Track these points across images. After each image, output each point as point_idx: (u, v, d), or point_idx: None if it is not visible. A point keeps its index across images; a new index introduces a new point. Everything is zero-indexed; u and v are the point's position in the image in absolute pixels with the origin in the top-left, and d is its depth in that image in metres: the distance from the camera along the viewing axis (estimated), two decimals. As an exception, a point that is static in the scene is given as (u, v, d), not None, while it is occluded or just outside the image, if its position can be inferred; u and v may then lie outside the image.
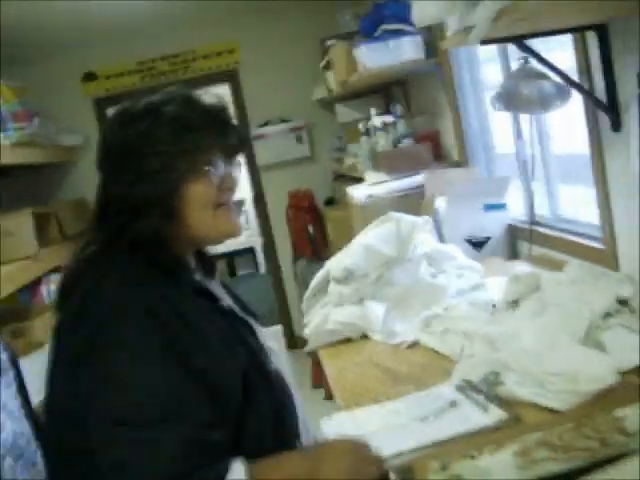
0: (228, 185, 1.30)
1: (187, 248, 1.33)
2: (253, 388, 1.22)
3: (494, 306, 1.94)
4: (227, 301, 1.38)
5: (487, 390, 1.43)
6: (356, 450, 1.18)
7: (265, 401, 1.24)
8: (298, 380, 2.19)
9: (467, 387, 1.48)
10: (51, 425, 1.19)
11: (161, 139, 1.22)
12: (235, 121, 1.35)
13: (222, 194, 1.29)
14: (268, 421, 1.23)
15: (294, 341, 4.83)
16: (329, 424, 1.49)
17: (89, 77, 4.90)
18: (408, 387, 1.64)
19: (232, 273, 8.41)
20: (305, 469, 1.13)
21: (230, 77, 5.14)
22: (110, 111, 4.90)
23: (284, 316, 5.45)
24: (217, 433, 1.12)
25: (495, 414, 1.35)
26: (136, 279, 1.20)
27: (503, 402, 1.39)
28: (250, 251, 8.13)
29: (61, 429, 1.13)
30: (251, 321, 1.39)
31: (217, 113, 1.29)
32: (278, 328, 5.58)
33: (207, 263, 1.41)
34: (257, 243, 6.93)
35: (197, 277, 1.34)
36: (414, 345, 1.93)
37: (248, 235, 7.99)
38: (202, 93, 1.32)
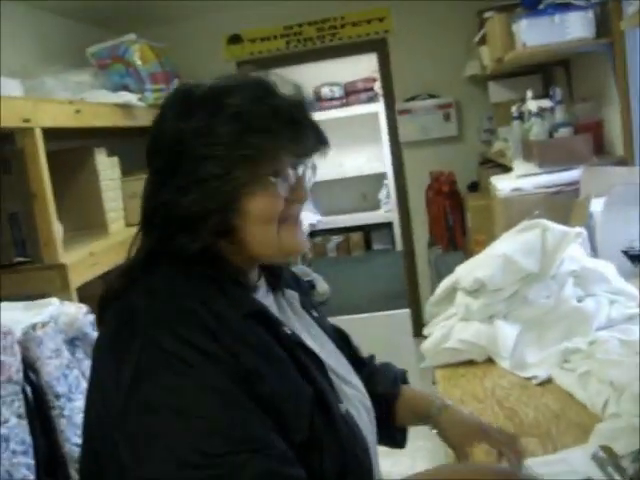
0: (298, 197, 1.09)
1: (245, 263, 1.10)
2: (315, 437, 0.99)
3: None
4: (293, 324, 1.15)
5: (634, 473, 1.13)
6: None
7: (328, 455, 1.00)
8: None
9: (606, 459, 1.19)
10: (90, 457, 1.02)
11: (219, 140, 1.01)
12: (313, 118, 1.10)
13: (289, 207, 1.07)
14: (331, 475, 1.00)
15: (421, 328, 4.57)
16: None
17: (234, 40, 4.79)
18: (531, 442, 1.36)
19: (367, 247, 8.23)
20: None
21: (378, 46, 4.87)
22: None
23: (413, 300, 5.21)
24: (298, 469, 0.92)
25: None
26: (183, 296, 1.00)
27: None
28: (387, 226, 7.90)
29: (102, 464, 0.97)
30: (328, 356, 1.15)
31: (291, 109, 1.05)
32: (405, 312, 5.37)
33: (272, 274, 1.19)
34: (395, 219, 6.69)
35: (259, 294, 1.12)
36: (547, 383, 1.64)
37: (387, 210, 7.77)
38: (279, 81, 1.09)
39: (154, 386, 0.91)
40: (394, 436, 1.38)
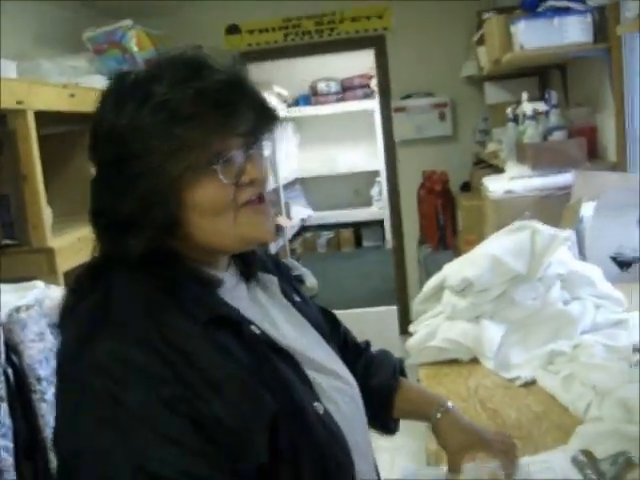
0: (250, 177, 0.98)
1: (205, 257, 1.02)
2: (288, 450, 0.93)
3: (638, 351, 1.61)
4: (268, 312, 1.08)
5: (612, 476, 1.13)
6: None
7: (307, 464, 0.94)
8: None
9: (586, 463, 1.20)
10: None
11: (147, 133, 0.92)
12: (252, 93, 1.00)
13: (242, 191, 0.97)
14: None
15: (408, 325, 4.57)
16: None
17: (232, 30, 4.77)
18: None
19: (358, 243, 8.23)
20: None
21: (376, 43, 4.86)
22: (252, 67, 4.77)
23: (401, 298, 5.22)
24: None
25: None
26: (128, 312, 0.93)
27: (631, 499, 1.09)
28: (378, 223, 7.90)
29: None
30: (307, 350, 1.07)
31: (219, 89, 0.95)
32: (393, 309, 5.38)
33: (243, 261, 1.11)
34: (386, 216, 6.69)
35: (227, 286, 1.03)
36: (530, 384, 1.64)
37: (379, 207, 7.77)
38: (213, 54, 1.00)
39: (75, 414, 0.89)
40: (387, 425, 1.32)
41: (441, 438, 1.22)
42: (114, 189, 0.95)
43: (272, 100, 5.68)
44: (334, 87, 7.45)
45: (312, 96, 7.36)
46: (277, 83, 6.29)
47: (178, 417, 0.86)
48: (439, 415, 1.23)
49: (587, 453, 1.22)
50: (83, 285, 0.99)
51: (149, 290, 0.95)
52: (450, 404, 1.26)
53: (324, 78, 7.37)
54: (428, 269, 4.18)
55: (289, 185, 7.40)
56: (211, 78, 0.95)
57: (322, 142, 7.75)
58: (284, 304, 1.13)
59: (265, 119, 1.01)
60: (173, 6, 4.51)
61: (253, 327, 1.00)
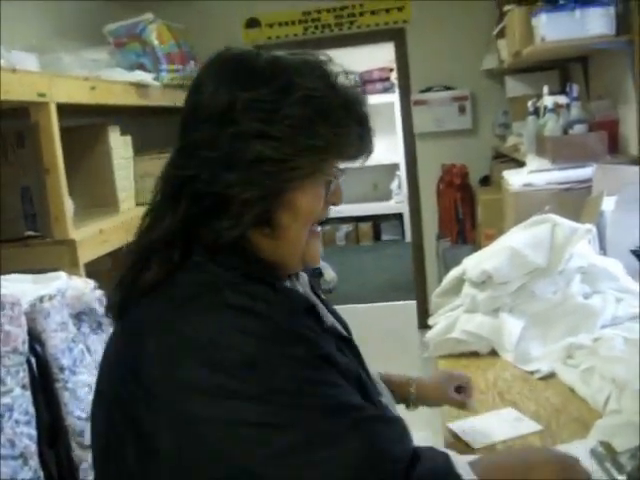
0: (335, 201, 0.99)
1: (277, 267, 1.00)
2: None
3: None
4: (329, 318, 1.10)
5: (631, 469, 1.13)
6: (567, 462, 0.99)
7: None
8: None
9: (605, 455, 1.19)
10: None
11: (286, 121, 0.89)
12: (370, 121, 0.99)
13: (325, 210, 0.98)
14: None
15: (427, 319, 4.55)
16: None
17: (252, 23, 4.78)
18: (531, 435, 1.37)
19: (376, 237, 8.22)
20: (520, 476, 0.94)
21: (396, 36, 4.84)
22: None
23: (420, 292, 5.21)
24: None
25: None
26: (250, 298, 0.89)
27: (651, 492, 1.09)
28: (398, 217, 7.89)
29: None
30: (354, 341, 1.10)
31: (360, 105, 0.96)
32: (412, 303, 5.37)
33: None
34: (406, 210, 6.69)
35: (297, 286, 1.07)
36: (549, 377, 1.64)
37: (398, 200, 7.76)
38: (339, 69, 0.98)
39: (222, 384, 0.82)
40: None
41: (428, 403, 1.41)
42: (220, 162, 0.90)
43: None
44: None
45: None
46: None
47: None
48: (413, 389, 1.38)
49: (606, 446, 1.22)
50: (155, 262, 0.93)
51: (248, 282, 0.91)
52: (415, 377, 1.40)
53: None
54: (447, 263, 4.17)
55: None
56: (353, 91, 0.96)
57: (341, 136, 7.73)
58: (317, 301, 1.13)
59: (368, 152, 1.01)
60: (193, -1, 4.52)
61: (325, 319, 1.03)
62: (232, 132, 0.90)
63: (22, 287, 1.69)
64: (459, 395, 1.38)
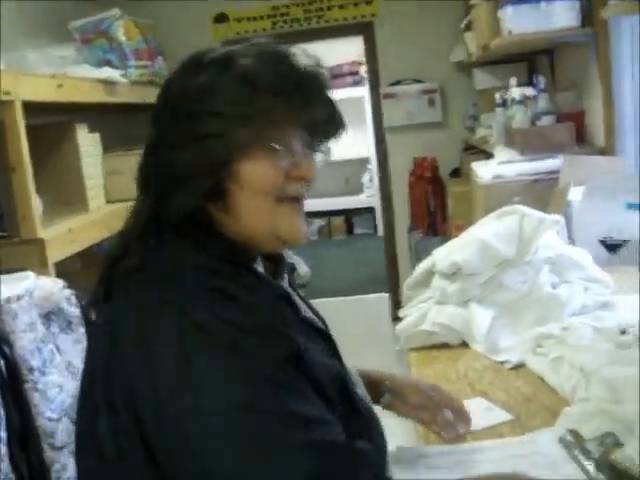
0: (301, 174, 1.00)
1: (247, 246, 1.02)
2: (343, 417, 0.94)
3: (623, 332, 1.63)
4: (305, 310, 1.10)
5: (599, 457, 1.15)
6: None
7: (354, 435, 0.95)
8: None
9: (573, 443, 1.21)
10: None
11: (222, 97, 0.95)
12: (330, 94, 1.02)
13: (290, 184, 0.99)
14: None
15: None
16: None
17: (220, 19, 4.76)
18: (501, 425, 1.38)
19: (349, 231, 8.24)
20: None
21: (364, 29, 4.86)
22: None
23: (393, 284, 5.23)
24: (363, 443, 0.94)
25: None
26: (214, 273, 0.93)
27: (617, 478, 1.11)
28: (370, 211, 7.91)
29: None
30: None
31: (304, 77, 0.98)
32: (384, 296, 5.39)
33: (275, 262, 1.12)
34: (377, 203, 6.71)
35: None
36: (519, 367, 1.65)
37: (369, 194, 7.78)
38: (299, 52, 1.01)
39: (204, 369, 0.85)
40: None
41: (401, 413, 1.30)
42: (175, 146, 0.97)
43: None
44: (323, 74, 7.41)
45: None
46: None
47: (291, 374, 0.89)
48: (387, 397, 1.28)
49: (574, 433, 1.23)
50: (132, 247, 0.97)
51: (219, 260, 0.95)
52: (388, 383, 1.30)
53: (313, 66, 7.33)
54: (419, 255, 4.19)
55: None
56: (299, 67, 0.98)
57: (312, 130, 7.72)
58: (296, 297, 1.13)
59: (334, 125, 1.04)
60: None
61: (302, 311, 1.04)
62: (183, 115, 0.98)
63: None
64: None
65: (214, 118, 0.95)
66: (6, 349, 1.60)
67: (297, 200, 1.02)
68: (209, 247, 0.97)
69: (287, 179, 0.99)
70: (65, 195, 3.05)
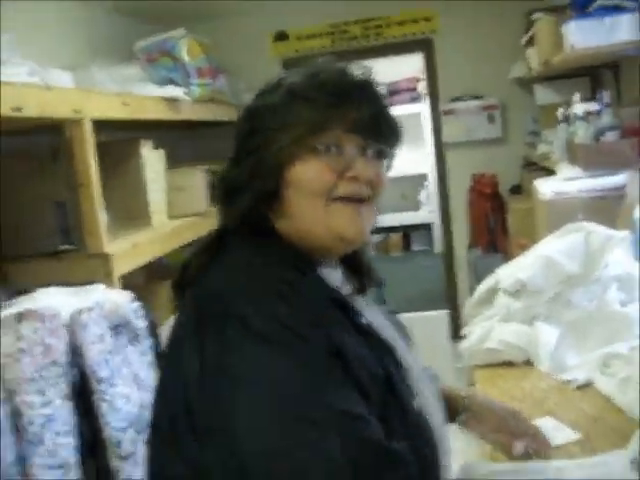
0: (355, 174, 1.03)
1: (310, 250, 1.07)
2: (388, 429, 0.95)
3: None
4: (371, 318, 1.11)
5: (674, 479, 1.12)
6: None
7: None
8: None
9: (648, 465, 1.18)
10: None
11: (269, 111, 1.05)
12: (378, 100, 1.09)
13: (343, 184, 1.03)
14: None
15: (459, 329, 4.53)
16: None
17: (280, 37, 4.81)
18: (570, 445, 1.36)
19: (406, 247, 8.20)
20: None
21: (424, 46, 4.85)
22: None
23: (452, 302, 5.18)
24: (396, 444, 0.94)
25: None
26: (265, 274, 0.99)
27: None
28: (427, 227, 7.86)
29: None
30: (401, 350, 1.12)
31: (342, 83, 1.05)
32: (443, 313, 5.34)
33: (360, 278, 1.16)
34: (435, 220, 6.66)
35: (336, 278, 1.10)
36: (586, 387, 1.63)
37: (427, 211, 7.74)
38: (352, 67, 1.08)
39: (241, 360, 0.90)
40: None
41: (476, 432, 1.28)
42: (236, 160, 1.08)
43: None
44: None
45: (359, 101, 7.36)
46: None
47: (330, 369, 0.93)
48: (463, 416, 1.27)
49: (647, 456, 1.20)
50: (202, 259, 1.06)
51: (276, 263, 1.02)
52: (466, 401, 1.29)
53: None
54: (478, 273, 4.15)
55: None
56: (337, 73, 1.06)
57: (370, 146, 7.73)
58: (374, 308, 1.18)
59: (388, 129, 1.09)
60: (221, 13, 4.56)
61: (362, 317, 1.06)
62: (243, 134, 1.09)
63: (60, 300, 1.72)
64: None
65: (264, 130, 1.04)
66: (76, 360, 1.65)
67: (359, 201, 1.05)
68: (267, 250, 1.04)
69: (340, 179, 1.03)
70: (129, 210, 3.11)
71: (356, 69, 1.08)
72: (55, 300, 1.70)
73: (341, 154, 1.03)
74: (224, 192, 1.09)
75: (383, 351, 1.06)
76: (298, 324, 0.92)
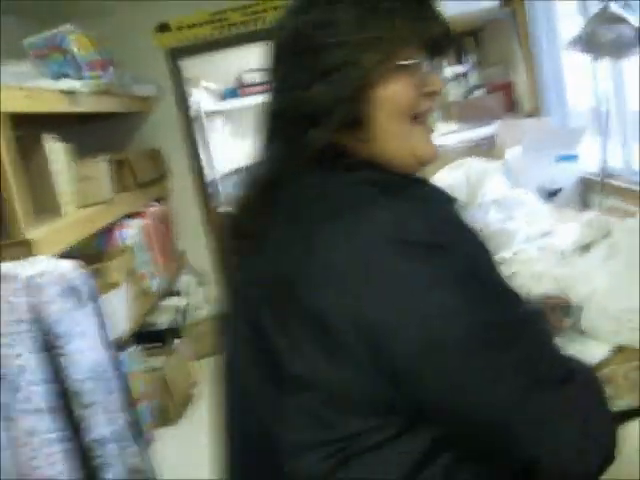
0: (433, 89, 0.98)
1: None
2: None
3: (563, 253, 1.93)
4: None
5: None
6: None
7: None
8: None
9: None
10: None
11: (342, 26, 0.94)
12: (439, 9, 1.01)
13: (423, 100, 0.97)
14: None
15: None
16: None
17: (162, 28, 4.94)
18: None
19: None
20: None
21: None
22: (183, 63, 4.99)
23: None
24: None
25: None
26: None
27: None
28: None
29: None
30: None
31: None
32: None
33: None
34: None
35: None
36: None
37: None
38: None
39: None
40: None
41: None
42: (300, 85, 0.95)
43: (202, 94, 5.83)
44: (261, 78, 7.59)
45: (239, 88, 7.53)
46: (209, 78, 6.44)
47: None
48: None
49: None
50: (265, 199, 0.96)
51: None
52: None
53: (254, 69, 7.51)
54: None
55: (227, 176, 7.58)
56: None
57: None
58: None
59: (448, 41, 1.01)
60: (105, 7, 4.65)
61: None
62: (303, 53, 0.96)
63: (13, 267, 1.87)
64: None
65: (337, 49, 0.93)
66: (37, 318, 1.80)
67: (426, 118, 1.00)
68: (385, 176, 0.95)
69: (420, 96, 0.97)
70: (39, 202, 3.19)
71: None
72: (8, 268, 1.85)
73: (418, 70, 0.96)
74: (291, 122, 0.96)
75: None
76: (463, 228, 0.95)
